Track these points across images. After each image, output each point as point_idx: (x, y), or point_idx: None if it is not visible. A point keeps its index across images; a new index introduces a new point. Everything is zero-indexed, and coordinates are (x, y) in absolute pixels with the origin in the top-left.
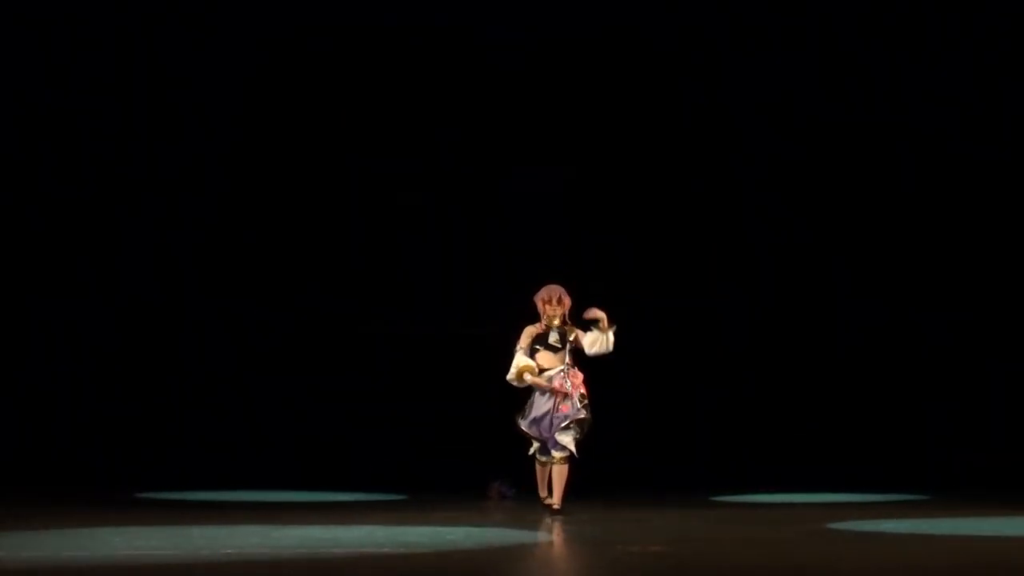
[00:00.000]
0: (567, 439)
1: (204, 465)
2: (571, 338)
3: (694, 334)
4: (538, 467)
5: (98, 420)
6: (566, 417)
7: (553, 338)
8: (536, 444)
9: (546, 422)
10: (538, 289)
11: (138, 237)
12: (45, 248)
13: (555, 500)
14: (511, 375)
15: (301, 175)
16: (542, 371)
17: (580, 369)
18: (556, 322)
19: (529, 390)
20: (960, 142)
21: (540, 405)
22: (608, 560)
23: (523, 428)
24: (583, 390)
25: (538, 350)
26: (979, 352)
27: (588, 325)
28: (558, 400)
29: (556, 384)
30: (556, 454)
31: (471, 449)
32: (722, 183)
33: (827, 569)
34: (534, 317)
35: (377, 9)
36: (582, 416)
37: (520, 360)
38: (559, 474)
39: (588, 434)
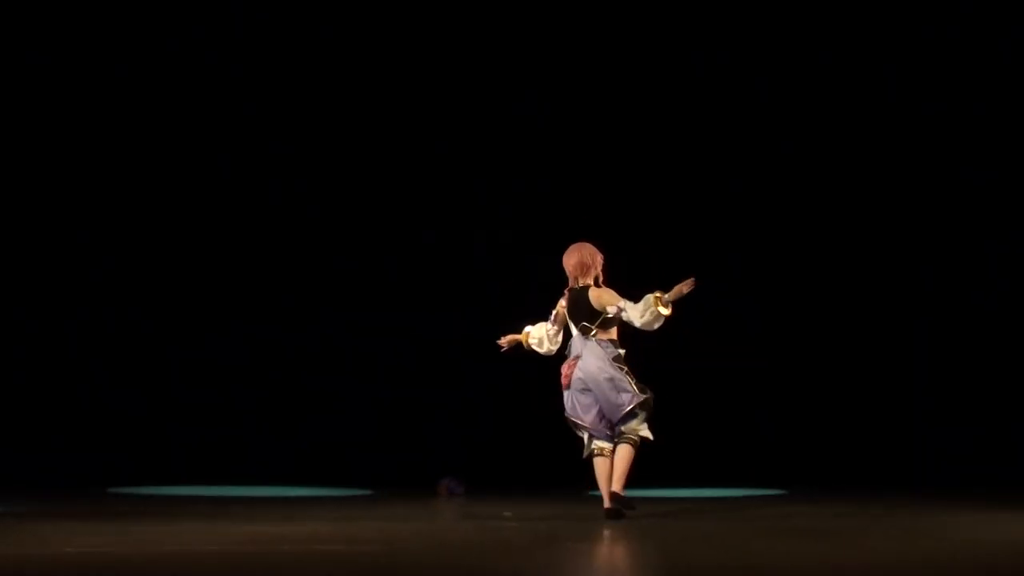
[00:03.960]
0: (636, 425)
1: (153, 460)
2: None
3: None
4: (598, 463)
5: (48, 418)
6: (620, 407)
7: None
8: (584, 437)
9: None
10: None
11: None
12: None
13: (616, 484)
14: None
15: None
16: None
17: (623, 343)
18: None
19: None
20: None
21: (568, 398)
22: (556, 556)
23: (566, 416)
24: (624, 369)
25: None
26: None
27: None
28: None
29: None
30: (623, 441)
31: (420, 444)
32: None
33: (782, 566)
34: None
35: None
36: (644, 397)
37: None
38: (623, 456)
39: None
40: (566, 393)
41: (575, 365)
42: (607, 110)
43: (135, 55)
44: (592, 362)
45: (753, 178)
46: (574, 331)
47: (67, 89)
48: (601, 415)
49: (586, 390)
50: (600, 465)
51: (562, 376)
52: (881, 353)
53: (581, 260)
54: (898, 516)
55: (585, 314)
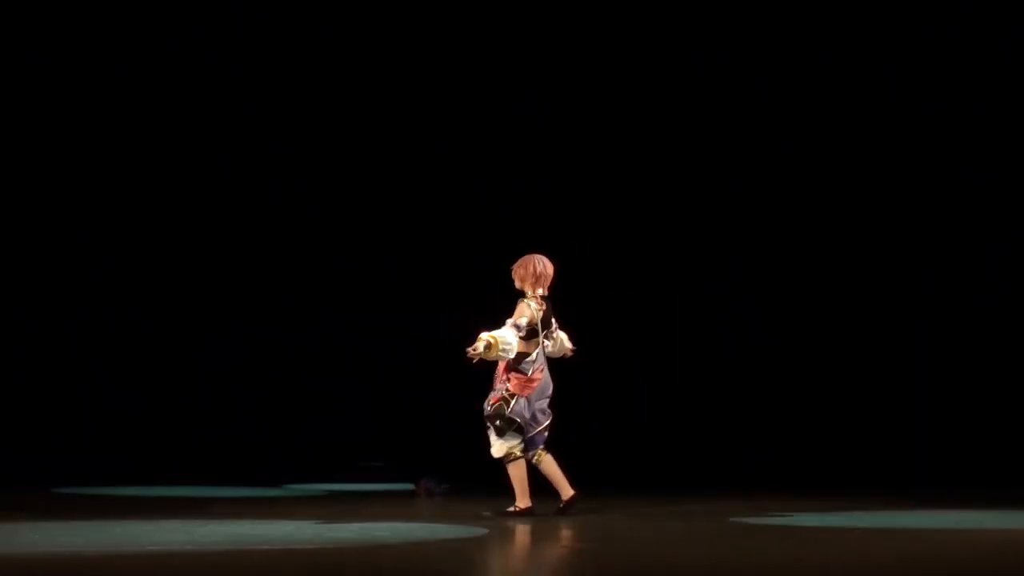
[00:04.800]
0: (491, 439)
1: (125, 460)
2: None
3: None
4: (517, 469)
5: (15, 415)
6: (546, 423)
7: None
8: (514, 441)
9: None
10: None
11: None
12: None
13: (568, 490)
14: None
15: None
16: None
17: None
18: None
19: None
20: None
21: (526, 405)
22: (532, 556)
23: (509, 415)
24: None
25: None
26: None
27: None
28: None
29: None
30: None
31: (400, 444)
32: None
33: (748, 565)
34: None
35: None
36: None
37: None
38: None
39: None
40: (522, 400)
41: (544, 373)
42: (607, 110)
43: (135, 55)
44: (548, 373)
45: (753, 178)
46: (541, 339)
47: (67, 89)
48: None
49: (531, 399)
50: (523, 468)
51: (525, 382)
52: (881, 353)
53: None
54: (897, 516)
55: (549, 324)
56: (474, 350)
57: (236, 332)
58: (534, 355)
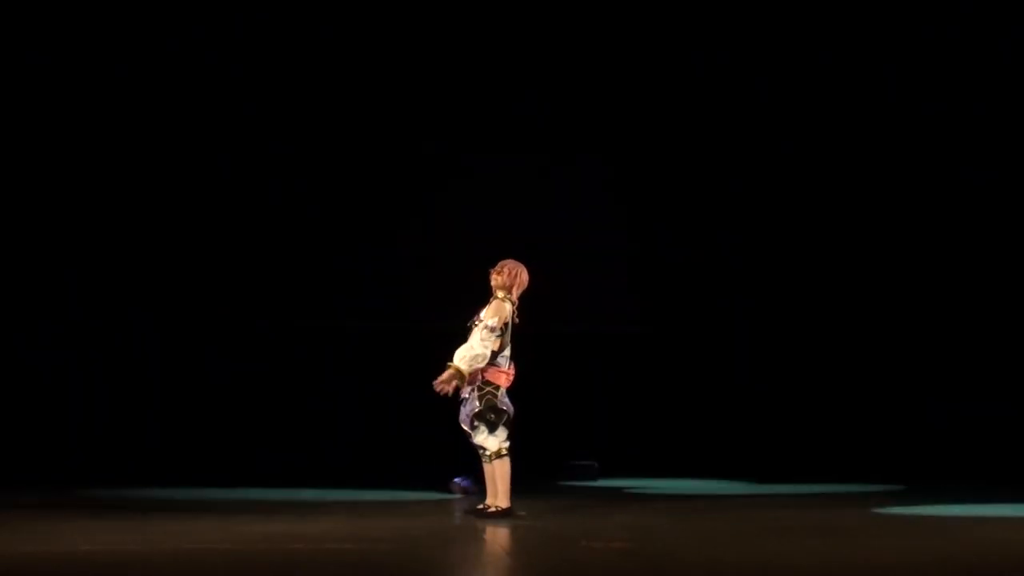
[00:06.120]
0: (480, 438)
1: (163, 461)
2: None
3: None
4: (506, 466)
5: (57, 416)
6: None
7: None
8: (504, 435)
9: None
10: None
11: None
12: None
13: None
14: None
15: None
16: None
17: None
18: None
19: None
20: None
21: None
22: (571, 556)
23: (500, 406)
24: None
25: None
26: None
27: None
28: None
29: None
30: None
31: (434, 444)
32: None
33: (791, 564)
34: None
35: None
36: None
37: None
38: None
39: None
40: (503, 391)
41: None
42: (607, 110)
43: (135, 55)
44: None
45: (753, 178)
46: (509, 336)
47: (67, 89)
48: None
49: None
50: (509, 465)
51: (506, 378)
52: (885, 351)
53: None
54: (903, 514)
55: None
56: (444, 383)
57: (236, 332)
58: (507, 350)
